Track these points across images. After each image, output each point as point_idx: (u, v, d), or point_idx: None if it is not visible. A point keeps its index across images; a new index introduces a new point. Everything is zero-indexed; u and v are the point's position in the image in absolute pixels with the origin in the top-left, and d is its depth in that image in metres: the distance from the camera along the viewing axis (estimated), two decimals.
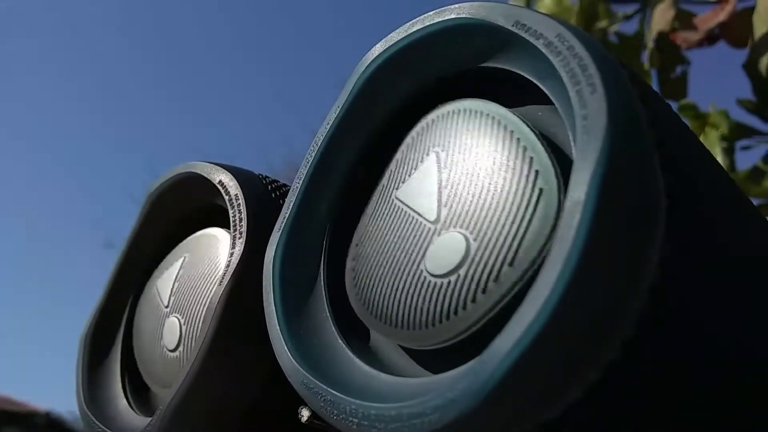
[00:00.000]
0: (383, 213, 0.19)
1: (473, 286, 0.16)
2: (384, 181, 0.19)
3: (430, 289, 0.16)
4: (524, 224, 0.15)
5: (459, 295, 0.16)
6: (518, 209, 0.16)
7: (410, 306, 0.17)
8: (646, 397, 0.16)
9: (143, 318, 0.27)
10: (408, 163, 0.19)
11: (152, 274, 0.27)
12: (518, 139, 0.16)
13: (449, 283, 0.16)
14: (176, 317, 0.24)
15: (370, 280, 0.18)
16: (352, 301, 0.19)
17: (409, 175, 0.19)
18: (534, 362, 0.13)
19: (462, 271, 0.16)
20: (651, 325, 0.14)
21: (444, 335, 0.16)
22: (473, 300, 0.16)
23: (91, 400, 0.26)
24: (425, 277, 0.17)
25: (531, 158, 0.16)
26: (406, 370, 0.18)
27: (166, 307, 0.25)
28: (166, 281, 0.26)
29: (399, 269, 0.17)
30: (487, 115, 0.17)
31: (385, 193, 0.19)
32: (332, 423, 0.17)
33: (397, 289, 0.17)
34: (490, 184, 0.16)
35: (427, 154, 0.18)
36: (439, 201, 0.17)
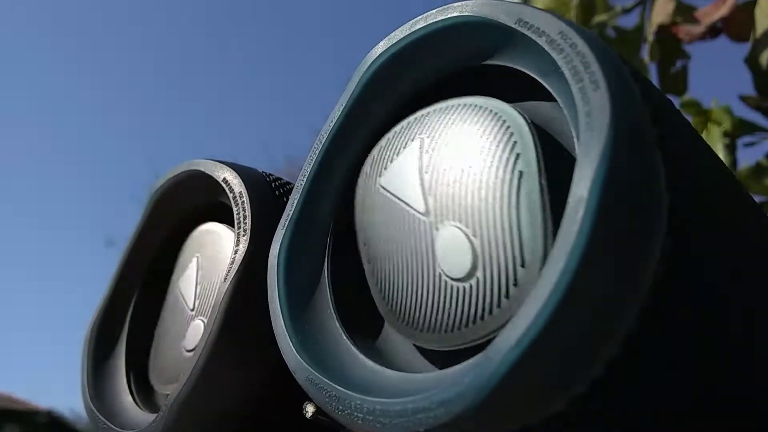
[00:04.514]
0: (374, 204, 0.19)
1: (495, 290, 0.16)
2: (367, 168, 0.19)
3: (454, 294, 0.16)
4: (513, 213, 0.15)
5: (484, 300, 0.16)
6: (501, 196, 0.16)
7: (438, 311, 0.17)
8: (649, 391, 0.16)
9: (166, 322, 0.27)
10: (390, 149, 0.19)
11: (171, 276, 0.27)
12: (508, 126, 0.16)
13: (470, 287, 0.16)
14: (201, 320, 0.24)
15: (392, 285, 0.18)
16: (378, 305, 0.19)
17: (391, 161, 0.19)
18: (538, 357, 0.13)
19: (479, 274, 0.16)
20: (654, 320, 0.14)
21: (470, 336, 0.16)
22: (498, 305, 0.15)
23: (96, 396, 0.27)
24: (446, 281, 0.17)
25: (514, 142, 0.16)
26: (412, 365, 0.18)
27: (192, 310, 0.25)
28: (188, 283, 0.26)
29: (417, 273, 0.17)
30: (483, 108, 0.17)
31: (369, 182, 0.19)
32: (337, 418, 0.17)
33: (421, 295, 0.17)
34: (470, 168, 0.16)
35: (412, 140, 0.18)
36: (423, 188, 0.17)
